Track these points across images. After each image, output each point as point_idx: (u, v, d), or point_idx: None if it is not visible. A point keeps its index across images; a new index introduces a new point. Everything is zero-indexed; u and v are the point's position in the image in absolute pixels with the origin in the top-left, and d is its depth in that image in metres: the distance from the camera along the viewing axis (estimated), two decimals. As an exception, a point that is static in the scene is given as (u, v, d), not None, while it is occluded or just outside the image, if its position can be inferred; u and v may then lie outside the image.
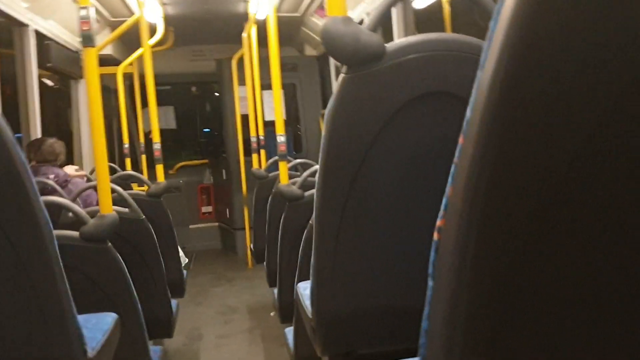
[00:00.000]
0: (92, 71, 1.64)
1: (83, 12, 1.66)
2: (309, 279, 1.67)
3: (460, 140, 0.47)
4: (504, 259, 0.47)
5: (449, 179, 0.49)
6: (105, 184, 1.66)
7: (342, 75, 1.05)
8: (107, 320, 1.42)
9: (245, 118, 4.79)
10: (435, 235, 0.51)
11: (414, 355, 1.10)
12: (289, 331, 2.28)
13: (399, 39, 1.06)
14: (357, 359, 1.34)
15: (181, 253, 3.08)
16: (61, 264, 1.09)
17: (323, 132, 1.10)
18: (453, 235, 0.48)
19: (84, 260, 1.62)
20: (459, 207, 0.47)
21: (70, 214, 1.87)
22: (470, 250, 0.47)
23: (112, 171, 4.00)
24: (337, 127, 1.08)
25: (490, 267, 0.47)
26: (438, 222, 0.51)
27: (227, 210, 5.38)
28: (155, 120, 2.93)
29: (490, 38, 0.43)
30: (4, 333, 1.07)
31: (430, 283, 0.53)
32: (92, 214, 1.66)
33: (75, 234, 1.60)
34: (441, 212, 0.51)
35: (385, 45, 1.03)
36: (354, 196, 1.12)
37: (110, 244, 1.67)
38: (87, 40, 1.64)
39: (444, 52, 1.07)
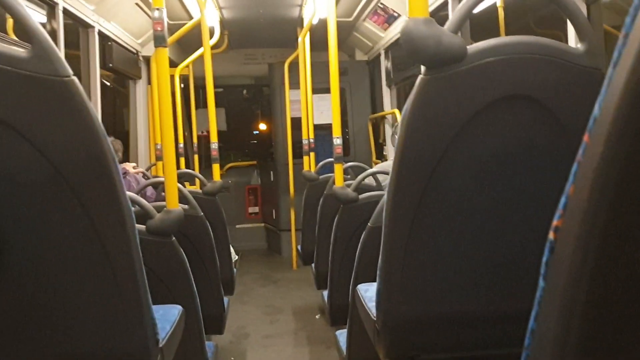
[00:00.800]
0: (163, 70, 1.70)
1: (157, 14, 1.71)
2: (366, 282, 1.67)
3: (585, 138, 0.46)
4: (628, 260, 0.46)
5: (570, 178, 0.48)
6: (172, 180, 1.71)
7: (420, 77, 1.05)
8: (173, 312, 1.45)
9: (293, 121, 4.84)
10: (551, 235, 0.51)
11: None
12: (341, 334, 2.27)
13: (481, 42, 1.05)
14: None
15: (232, 250, 3.13)
16: (141, 255, 1.12)
17: (398, 133, 1.10)
18: (574, 235, 0.47)
19: (148, 253, 1.66)
20: (583, 207, 0.46)
21: (134, 208, 1.93)
22: (591, 251, 0.46)
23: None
24: (414, 128, 1.08)
25: (613, 269, 0.46)
26: (555, 222, 0.50)
27: (274, 211, 5.44)
28: (213, 121, 2.99)
29: (627, 35, 0.42)
30: (86, 321, 1.11)
31: (541, 283, 0.52)
32: (158, 209, 1.71)
33: (142, 227, 1.65)
34: (559, 212, 0.50)
35: (467, 47, 1.03)
36: (428, 199, 1.12)
37: (174, 238, 1.71)
38: (160, 40, 1.69)
39: (525, 55, 1.05)
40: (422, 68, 1.05)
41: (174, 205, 1.69)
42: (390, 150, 4.64)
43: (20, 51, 0.95)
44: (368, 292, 1.52)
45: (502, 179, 1.11)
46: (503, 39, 1.06)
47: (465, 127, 1.06)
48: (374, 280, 1.60)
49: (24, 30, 0.96)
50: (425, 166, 1.09)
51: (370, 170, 2.67)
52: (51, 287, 1.08)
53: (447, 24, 1.03)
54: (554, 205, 1.18)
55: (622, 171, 0.43)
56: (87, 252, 1.06)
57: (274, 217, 5.44)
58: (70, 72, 0.97)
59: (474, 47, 1.04)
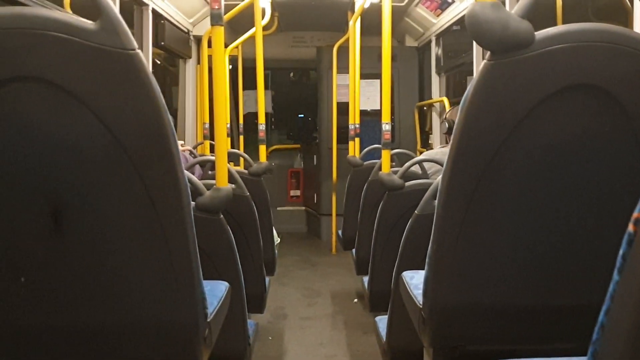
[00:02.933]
0: (218, 48, 1.70)
1: (215, -9, 1.72)
2: (410, 269, 1.66)
3: None
4: None
5: None
6: (223, 159, 1.73)
7: (484, 62, 1.02)
8: (220, 287, 1.47)
9: (339, 106, 4.82)
10: (631, 227, 0.49)
11: (521, 357, 1.06)
12: (380, 320, 2.27)
13: (550, 28, 1.01)
14: (463, 355, 1.31)
15: (274, 232, 3.16)
16: (194, 229, 1.14)
17: (457, 118, 1.08)
18: None
19: (196, 230, 1.70)
20: None
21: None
22: None
23: (213, 149, 4.17)
24: (475, 114, 1.05)
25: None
26: (635, 214, 0.48)
27: (315, 195, 5.46)
28: (262, 103, 3.00)
29: None
30: (139, 292, 1.14)
31: (615, 277, 0.50)
32: (207, 187, 1.74)
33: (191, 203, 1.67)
34: None
35: (535, 33, 0.99)
36: (484, 187, 1.09)
37: (222, 216, 1.74)
38: (217, 18, 1.69)
39: (595, 43, 1.01)
40: (487, 53, 1.02)
41: (223, 183, 1.72)
42: (436, 139, 4.57)
43: (88, 23, 0.97)
44: (414, 279, 1.51)
45: (563, 169, 1.08)
46: (572, 25, 1.02)
47: (528, 115, 1.03)
48: (418, 268, 1.59)
49: (81, 6, 0.97)
50: (484, 153, 1.06)
51: (417, 158, 2.63)
52: (107, 257, 1.11)
53: (516, 8, 0.99)
54: (615, 199, 1.13)
55: None
56: (143, 224, 1.08)
57: (315, 201, 5.46)
58: (136, 45, 0.99)
59: (542, 33, 1.00)
